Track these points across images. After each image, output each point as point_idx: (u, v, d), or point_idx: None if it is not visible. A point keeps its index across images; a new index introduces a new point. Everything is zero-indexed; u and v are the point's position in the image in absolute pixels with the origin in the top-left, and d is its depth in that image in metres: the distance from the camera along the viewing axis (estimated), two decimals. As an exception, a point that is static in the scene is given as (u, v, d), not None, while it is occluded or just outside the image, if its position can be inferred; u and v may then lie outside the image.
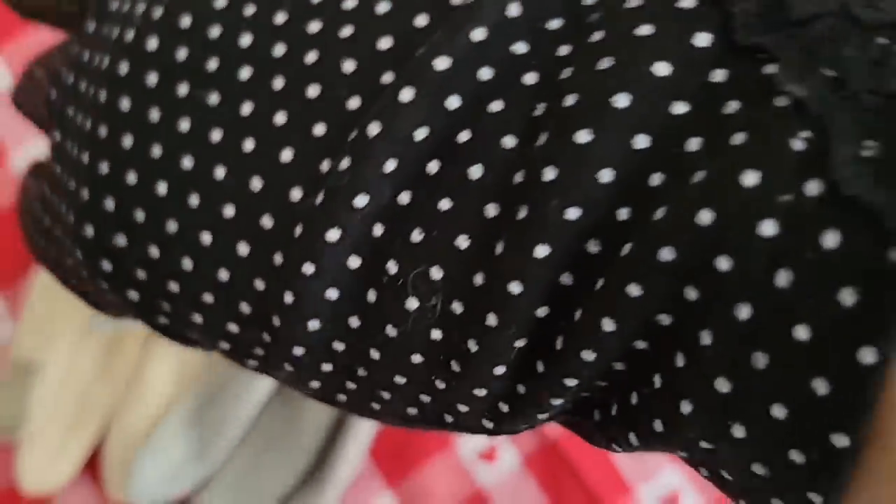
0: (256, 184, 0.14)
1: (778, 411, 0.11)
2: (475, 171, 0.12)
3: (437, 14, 0.13)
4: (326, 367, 0.15)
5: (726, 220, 0.11)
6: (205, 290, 0.15)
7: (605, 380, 0.13)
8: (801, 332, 0.10)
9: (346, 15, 0.13)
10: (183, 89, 0.14)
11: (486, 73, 0.13)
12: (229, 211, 0.14)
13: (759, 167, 0.10)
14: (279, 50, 0.14)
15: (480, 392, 0.13)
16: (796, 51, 0.11)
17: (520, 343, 0.13)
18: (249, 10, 0.14)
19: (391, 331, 0.13)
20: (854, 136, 0.10)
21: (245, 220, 0.14)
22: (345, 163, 0.13)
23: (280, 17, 0.14)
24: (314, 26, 0.14)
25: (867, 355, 0.10)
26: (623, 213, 0.11)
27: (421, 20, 0.13)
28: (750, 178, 0.10)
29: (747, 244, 0.10)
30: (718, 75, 0.11)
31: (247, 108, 0.14)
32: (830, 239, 0.10)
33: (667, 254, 0.11)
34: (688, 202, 0.11)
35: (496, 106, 0.13)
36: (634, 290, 0.11)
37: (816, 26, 0.11)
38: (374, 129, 0.13)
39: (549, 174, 0.12)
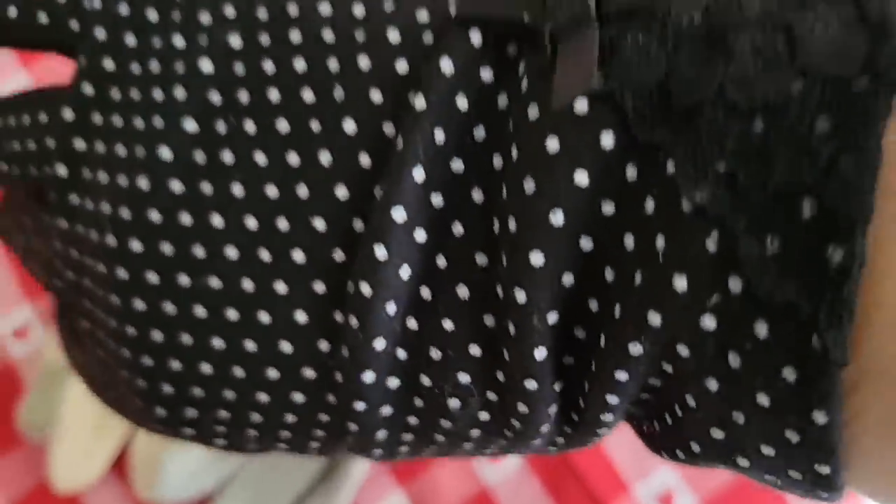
0: (300, 317, 0.15)
1: (766, 450, 0.13)
2: (462, 292, 0.14)
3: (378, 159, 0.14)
4: (407, 436, 0.16)
5: (673, 318, 0.12)
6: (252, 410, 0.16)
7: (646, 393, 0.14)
8: (763, 399, 0.12)
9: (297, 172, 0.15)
10: (200, 251, 0.15)
11: (437, 200, 0.14)
12: (251, 345, 0.15)
13: (685, 271, 0.12)
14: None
15: (545, 428, 0.15)
16: (686, 150, 0.12)
17: (553, 409, 0.15)
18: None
19: (445, 423, 0.15)
20: (755, 235, 0.11)
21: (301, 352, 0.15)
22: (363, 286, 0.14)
23: (294, 159, 0.15)
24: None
25: (819, 417, 0.11)
26: (593, 305, 0.13)
27: (364, 160, 0.14)
28: (680, 283, 0.12)
29: (695, 336, 0.12)
30: (630, 173, 0.12)
31: (265, 255, 0.15)
32: (761, 329, 0.11)
33: (635, 349, 0.13)
34: (636, 305, 0.12)
35: (458, 229, 0.14)
36: (622, 376, 0.13)
37: (699, 120, 0.12)
38: (365, 288, 0.14)
39: (520, 296, 0.13)
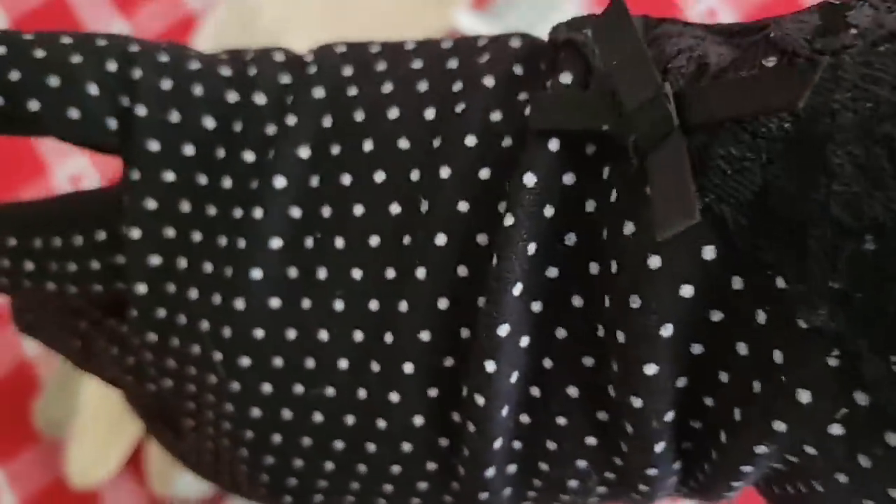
0: (418, 420, 0.16)
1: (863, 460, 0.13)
2: (572, 391, 0.15)
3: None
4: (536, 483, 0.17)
5: (798, 426, 0.12)
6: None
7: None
8: (894, 493, 0.12)
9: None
10: (311, 363, 0.16)
11: (537, 307, 0.15)
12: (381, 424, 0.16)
13: (808, 387, 0.12)
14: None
15: (651, 472, 0.15)
16: (796, 268, 0.12)
17: (673, 481, 0.15)
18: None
19: (564, 497, 0.16)
20: (879, 355, 0.11)
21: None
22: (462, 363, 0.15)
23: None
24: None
25: None
26: (708, 401, 0.14)
27: (462, 271, 0.15)
28: (804, 396, 0.12)
29: (823, 440, 0.12)
30: (736, 284, 0.12)
31: (376, 366, 0.16)
32: (892, 439, 0.11)
33: (760, 449, 0.13)
34: (760, 413, 0.12)
35: (562, 333, 0.15)
36: (746, 469, 0.14)
37: (807, 238, 0.12)
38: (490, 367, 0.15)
39: (636, 402, 0.14)
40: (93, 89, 0.17)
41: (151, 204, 0.17)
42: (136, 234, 0.17)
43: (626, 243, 0.13)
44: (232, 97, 0.17)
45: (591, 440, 0.15)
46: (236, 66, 0.17)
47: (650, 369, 0.13)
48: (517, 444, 0.16)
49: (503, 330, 0.14)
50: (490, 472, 0.16)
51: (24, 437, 0.32)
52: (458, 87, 0.16)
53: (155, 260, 0.17)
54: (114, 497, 0.32)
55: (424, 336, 0.15)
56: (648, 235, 0.13)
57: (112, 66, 0.17)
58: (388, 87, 0.16)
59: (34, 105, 0.16)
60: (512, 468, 0.16)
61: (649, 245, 0.13)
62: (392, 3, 0.36)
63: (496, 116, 0.15)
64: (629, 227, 0.13)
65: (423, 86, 0.16)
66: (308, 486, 0.17)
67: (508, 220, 0.14)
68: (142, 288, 0.17)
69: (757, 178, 0.12)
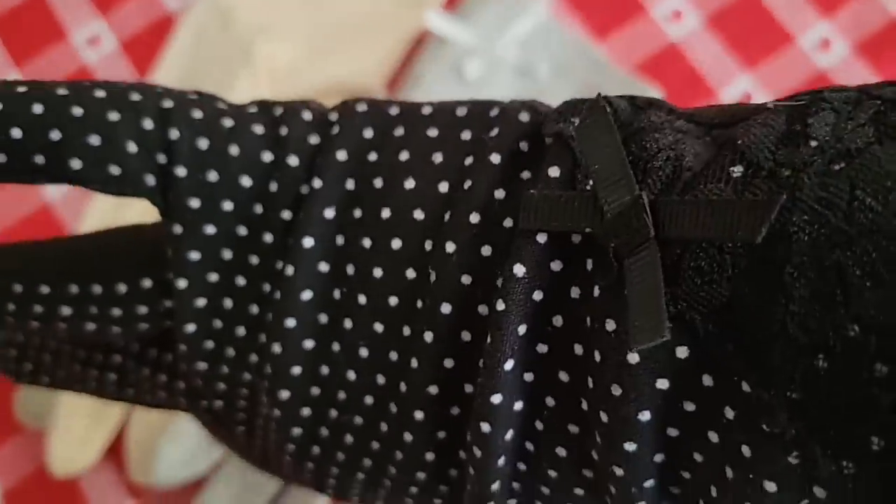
0: (429, 457, 0.18)
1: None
2: (560, 451, 0.16)
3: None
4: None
5: None
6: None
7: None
8: None
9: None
10: (342, 395, 0.18)
11: (529, 377, 0.16)
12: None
13: (773, 480, 0.13)
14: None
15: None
16: (758, 378, 0.13)
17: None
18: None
19: (544, 489, 0.17)
20: (832, 459, 0.13)
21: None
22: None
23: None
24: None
25: None
26: (685, 475, 0.15)
27: (465, 336, 0.17)
28: (770, 487, 0.13)
29: None
30: (707, 381, 0.14)
31: (394, 408, 0.18)
32: None
33: None
34: (735, 497, 0.14)
35: (550, 401, 0.16)
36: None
37: (767, 351, 0.13)
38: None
39: (619, 472, 0.15)
40: (131, 147, 0.17)
41: (195, 255, 0.18)
42: (182, 283, 0.18)
43: (608, 339, 0.14)
44: (267, 157, 0.18)
45: (578, 491, 0.17)
46: (268, 125, 0.18)
47: (630, 446, 0.15)
48: (516, 485, 0.17)
49: (496, 398, 0.15)
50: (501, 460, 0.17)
51: (5, 428, 0.33)
52: (468, 161, 0.17)
53: (201, 302, 0.18)
54: (94, 485, 0.32)
55: (432, 390, 0.17)
56: (628, 335, 0.14)
57: (149, 125, 0.18)
58: (404, 156, 0.18)
59: (76, 164, 0.17)
60: (512, 503, 0.17)
61: (628, 343, 0.14)
62: (366, 4, 0.37)
63: (500, 194, 0.16)
64: (611, 325, 0.14)
65: (437, 157, 0.17)
66: (345, 483, 0.20)
67: (500, 306, 0.15)
68: (191, 327, 0.18)
69: (724, 291, 0.13)
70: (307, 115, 0.18)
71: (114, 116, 0.17)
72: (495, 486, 0.17)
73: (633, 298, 0.14)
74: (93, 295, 0.19)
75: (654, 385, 0.14)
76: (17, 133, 0.17)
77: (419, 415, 0.17)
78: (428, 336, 0.16)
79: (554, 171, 0.16)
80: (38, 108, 0.17)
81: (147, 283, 0.19)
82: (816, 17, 0.37)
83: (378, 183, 0.17)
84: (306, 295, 0.17)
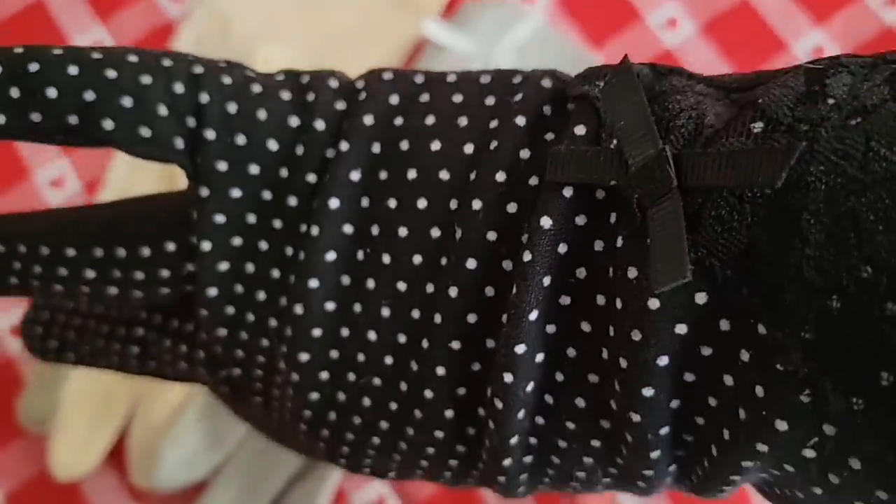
0: (439, 435, 0.19)
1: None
2: (579, 402, 0.17)
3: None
4: (543, 487, 0.19)
5: (778, 450, 0.14)
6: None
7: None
8: (881, 494, 0.14)
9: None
10: (361, 357, 0.19)
11: (551, 329, 0.17)
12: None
13: (785, 419, 0.14)
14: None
15: (648, 473, 0.17)
16: (773, 319, 0.14)
17: (673, 469, 0.17)
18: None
19: (574, 483, 0.18)
20: (842, 395, 0.13)
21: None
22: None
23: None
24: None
25: None
26: (699, 420, 0.16)
27: (489, 291, 0.17)
28: (781, 426, 0.14)
29: (798, 462, 0.14)
30: (724, 325, 0.15)
31: (414, 366, 0.18)
32: (855, 464, 0.14)
33: (748, 464, 0.15)
34: (746, 436, 0.14)
35: (571, 352, 0.17)
36: (747, 465, 0.15)
37: (783, 293, 0.14)
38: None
39: (635, 418, 0.16)
40: (162, 110, 0.18)
41: (220, 218, 0.18)
42: (206, 246, 0.18)
43: (630, 286, 0.15)
44: (294, 122, 0.19)
45: (595, 443, 0.17)
46: (295, 91, 0.19)
47: (647, 392, 0.15)
48: (533, 440, 0.18)
49: (520, 349, 0.16)
50: (507, 461, 0.18)
51: (8, 432, 0.33)
52: (493, 124, 0.17)
53: (224, 266, 0.18)
54: (96, 489, 0.33)
55: (455, 345, 0.17)
56: (649, 281, 0.15)
57: (180, 89, 0.18)
58: (430, 120, 0.18)
59: (108, 125, 0.18)
60: (528, 459, 0.18)
61: (650, 289, 0.14)
62: (363, 11, 0.38)
63: (525, 154, 0.17)
64: (633, 272, 0.15)
65: (463, 121, 0.18)
66: (359, 450, 0.20)
67: (526, 257, 0.16)
68: (212, 291, 0.19)
69: (742, 238, 0.14)
70: (334, 83, 0.19)
71: (146, 80, 0.18)
72: (514, 440, 0.17)
73: (656, 244, 0.14)
74: (117, 258, 0.19)
75: (672, 330, 0.15)
76: (52, 93, 0.17)
77: (441, 370, 0.17)
78: (453, 291, 0.17)
79: (580, 130, 0.16)
80: (73, 70, 0.17)
81: (171, 246, 0.19)
82: (810, 25, 0.38)
83: (404, 146, 0.18)
84: (330, 256, 0.18)
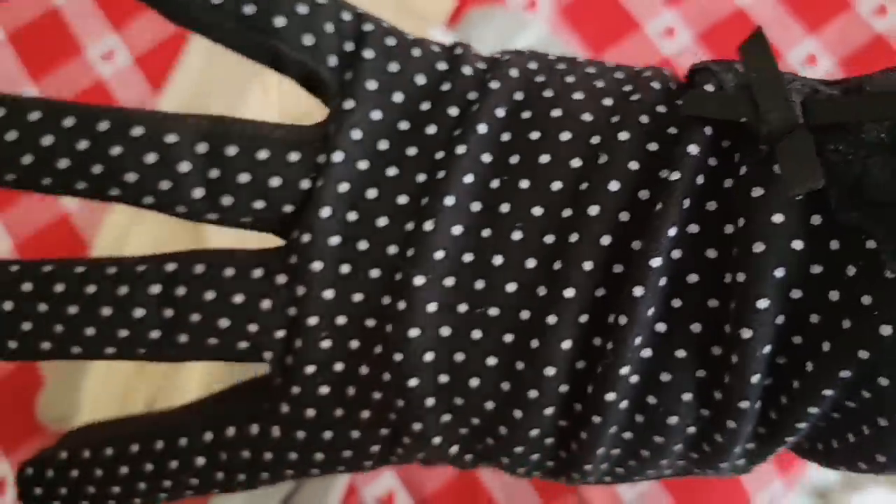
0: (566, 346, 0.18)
1: None
2: (695, 328, 0.17)
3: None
4: (615, 451, 0.19)
5: (879, 356, 0.16)
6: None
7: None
8: None
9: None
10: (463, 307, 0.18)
11: (677, 254, 0.17)
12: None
13: (891, 322, 0.15)
14: None
15: (739, 448, 0.18)
16: (884, 233, 0.15)
17: (751, 427, 0.18)
18: None
19: (658, 438, 0.18)
20: None
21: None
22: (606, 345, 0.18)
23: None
24: None
25: None
26: (796, 339, 0.17)
27: (623, 216, 0.18)
28: (886, 330, 0.15)
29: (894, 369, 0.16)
30: (834, 244, 0.16)
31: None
32: None
33: (844, 374, 0.16)
34: (847, 343, 0.16)
35: (693, 278, 0.18)
36: (828, 392, 0.16)
37: (892, 211, 0.15)
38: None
39: (746, 334, 0.17)
40: (329, 27, 0.19)
41: (356, 134, 0.18)
42: (338, 157, 0.18)
43: (755, 203, 0.17)
44: (442, 66, 0.20)
45: (700, 373, 0.17)
46: (445, 47, 0.20)
47: (762, 303, 0.16)
48: (635, 378, 0.17)
49: (656, 261, 0.17)
50: (610, 395, 0.17)
51: (27, 430, 0.34)
52: (615, 119, 0.19)
53: (344, 187, 0.18)
54: (114, 484, 0.34)
55: (587, 266, 0.17)
56: (774, 197, 0.16)
57: (347, 17, 0.20)
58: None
59: (280, 21, 0.19)
60: (624, 403, 0.18)
61: (774, 205, 0.16)
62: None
63: (661, 109, 0.19)
64: (758, 191, 0.17)
65: (587, 117, 0.19)
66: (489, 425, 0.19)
67: (674, 176, 0.17)
68: (325, 211, 0.18)
69: (857, 169, 0.16)
70: (474, 49, 0.21)
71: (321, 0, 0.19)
72: (624, 370, 0.17)
73: (787, 164, 0.16)
74: (229, 157, 0.18)
75: (790, 244, 0.16)
76: None
77: (569, 293, 0.17)
78: (593, 210, 0.17)
79: (709, 88, 0.18)
80: None
81: (294, 156, 0.18)
82: (803, 33, 0.39)
83: (548, 93, 0.19)
84: (468, 178, 0.18)
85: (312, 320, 0.18)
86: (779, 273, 0.16)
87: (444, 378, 0.18)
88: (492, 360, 0.18)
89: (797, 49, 0.39)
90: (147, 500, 0.20)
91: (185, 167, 0.18)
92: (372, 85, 0.19)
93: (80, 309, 0.18)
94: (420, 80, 0.19)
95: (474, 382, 0.18)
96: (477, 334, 0.18)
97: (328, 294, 0.18)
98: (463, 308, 0.18)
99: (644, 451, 0.18)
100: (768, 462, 0.19)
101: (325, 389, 0.18)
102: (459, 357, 0.18)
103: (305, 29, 0.19)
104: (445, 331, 0.18)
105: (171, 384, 0.33)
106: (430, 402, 0.18)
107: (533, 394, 0.18)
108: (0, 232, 0.37)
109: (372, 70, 0.19)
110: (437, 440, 0.19)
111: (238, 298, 0.18)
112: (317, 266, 0.18)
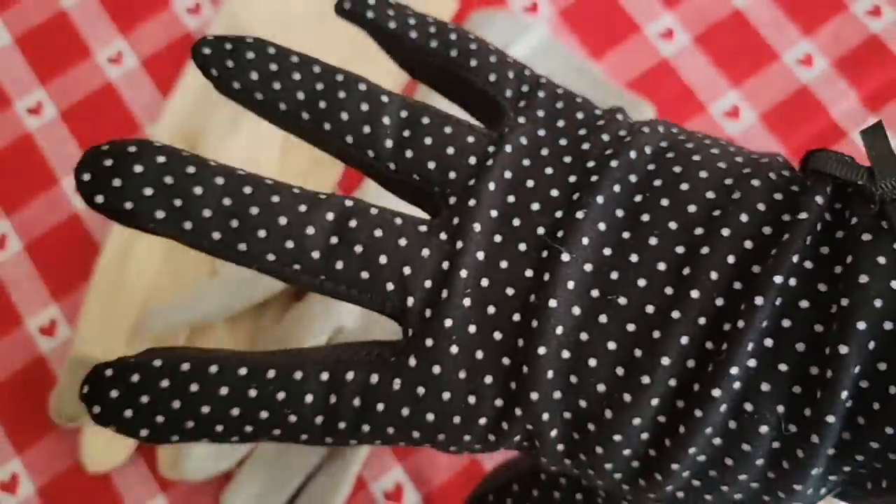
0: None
1: None
2: (799, 346, 0.19)
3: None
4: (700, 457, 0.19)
5: None
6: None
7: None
8: None
9: None
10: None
11: (792, 282, 0.19)
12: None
13: None
14: None
15: (830, 419, 0.18)
16: None
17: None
18: None
19: (745, 446, 0.19)
20: None
21: None
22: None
23: None
24: None
25: None
26: (881, 366, 0.18)
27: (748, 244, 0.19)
28: None
29: None
30: None
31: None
32: None
33: None
34: None
35: (804, 304, 0.19)
36: None
37: None
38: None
39: (843, 349, 0.18)
40: (511, 73, 0.23)
41: (524, 140, 0.22)
42: (507, 149, 0.21)
43: (864, 245, 0.18)
44: (599, 111, 0.22)
45: (796, 389, 0.18)
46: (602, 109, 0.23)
47: (861, 325, 0.18)
48: (737, 384, 0.18)
49: (778, 279, 0.18)
50: (717, 392, 0.18)
51: (40, 427, 0.35)
52: (747, 170, 0.20)
53: (508, 174, 0.21)
54: (126, 481, 0.34)
55: (713, 276, 0.19)
56: (881, 243, 0.18)
57: (528, 72, 0.24)
58: (696, 154, 0.21)
59: (474, 63, 0.23)
60: (723, 406, 0.18)
61: (880, 249, 0.18)
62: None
63: (786, 172, 0.20)
64: (867, 237, 0.18)
65: (722, 164, 0.21)
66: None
67: (801, 216, 0.19)
68: (491, 186, 0.21)
69: None
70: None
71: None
72: (734, 370, 0.18)
73: (895, 215, 0.18)
74: (425, 124, 0.22)
75: (889, 284, 0.18)
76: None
77: (694, 294, 0.19)
78: (724, 231, 0.19)
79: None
80: None
81: (470, 138, 0.22)
82: (799, 35, 0.40)
83: (689, 144, 0.21)
84: (616, 187, 0.20)
85: (463, 273, 0.20)
86: (878, 303, 0.18)
87: (566, 354, 0.19)
88: (612, 345, 0.19)
89: (793, 50, 0.39)
90: (230, 429, 0.19)
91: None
92: (541, 113, 0.22)
93: (261, 211, 0.19)
94: (580, 115, 0.22)
95: (592, 363, 0.19)
96: (603, 319, 0.19)
97: (480, 255, 0.20)
98: (595, 293, 0.19)
99: (728, 460, 0.19)
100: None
101: (455, 349, 0.19)
102: (584, 336, 0.19)
103: (493, 71, 0.23)
104: (576, 310, 0.19)
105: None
106: (550, 374, 0.19)
107: (645, 380, 0.19)
108: (10, 233, 0.38)
109: (542, 104, 0.22)
110: (545, 416, 0.19)
111: (402, 241, 0.20)
112: (476, 227, 0.20)
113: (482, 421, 0.20)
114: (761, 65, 0.39)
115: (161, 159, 0.19)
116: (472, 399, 0.19)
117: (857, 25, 0.40)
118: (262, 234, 0.19)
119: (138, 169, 0.19)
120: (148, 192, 0.19)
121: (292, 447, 0.33)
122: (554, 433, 0.20)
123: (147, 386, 0.18)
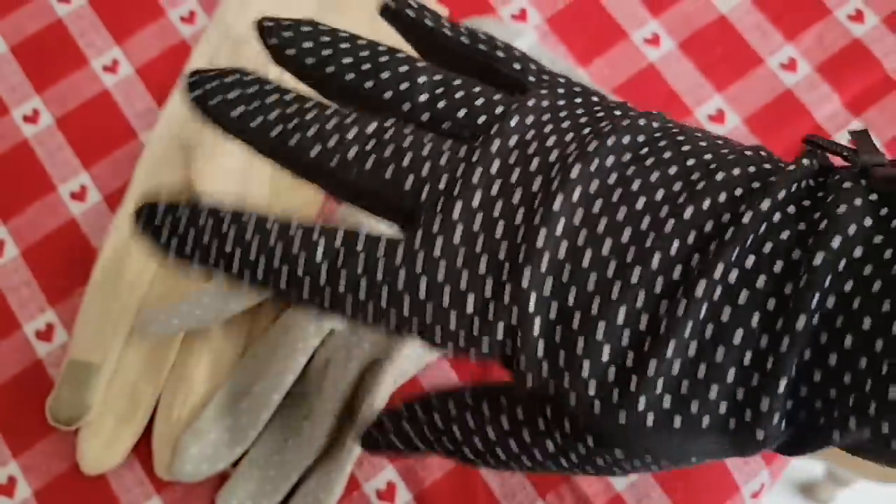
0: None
1: None
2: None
3: None
4: None
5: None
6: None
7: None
8: None
9: None
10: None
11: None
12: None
13: None
14: None
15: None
16: None
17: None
18: None
19: (720, 355, 0.19)
20: None
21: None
22: None
23: None
24: None
25: None
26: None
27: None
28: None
29: None
30: None
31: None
32: None
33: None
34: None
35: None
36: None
37: None
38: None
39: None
40: (533, 66, 0.25)
41: (545, 92, 0.24)
42: (531, 102, 0.23)
43: (843, 191, 0.19)
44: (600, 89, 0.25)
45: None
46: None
47: (835, 242, 0.19)
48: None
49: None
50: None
51: (39, 429, 0.35)
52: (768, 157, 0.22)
53: (530, 118, 0.23)
54: (122, 482, 0.35)
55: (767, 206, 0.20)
56: (860, 189, 0.19)
57: (548, 66, 0.26)
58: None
59: (501, 54, 0.25)
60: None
61: (859, 193, 0.19)
62: (373, 33, 0.40)
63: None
64: (847, 185, 0.19)
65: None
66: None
67: (790, 167, 0.21)
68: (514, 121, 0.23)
69: None
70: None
71: None
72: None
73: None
74: (457, 85, 0.24)
75: (861, 220, 0.18)
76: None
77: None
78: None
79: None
80: None
81: (497, 95, 0.24)
82: (782, 40, 0.40)
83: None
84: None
85: (475, 179, 0.22)
86: (851, 230, 0.19)
87: (561, 253, 0.21)
88: (606, 247, 0.21)
89: (777, 55, 0.40)
90: (244, 260, 0.22)
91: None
92: (561, 90, 0.24)
93: (314, 117, 0.24)
94: (595, 98, 0.24)
95: (585, 262, 0.21)
96: (601, 226, 0.21)
97: (494, 167, 0.22)
98: (598, 203, 0.21)
99: (701, 371, 0.19)
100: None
101: (457, 238, 0.21)
102: (581, 237, 0.21)
103: (517, 60, 0.25)
104: (578, 214, 0.21)
105: (177, 381, 0.34)
106: (543, 267, 0.21)
107: (634, 278, 0.20)
108: (7, 239, 0.38)
109: (562, 85, 0.24)
110: (532, 306, 0.21)
111: (425, 150, 0.23)
112: (495, 145, 0.22)
113: (470, 301, 0.21)
114: (745, 69, 0.40)
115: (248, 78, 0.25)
116: (463, 283, 0.21)
117: (839, 30, 0.40)
118: (311, 132, 0.23)
119: (229, 80, 0.24)
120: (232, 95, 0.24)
121: (288, 448, 0.33)
122: (537, 325, 0.20)
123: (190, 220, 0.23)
